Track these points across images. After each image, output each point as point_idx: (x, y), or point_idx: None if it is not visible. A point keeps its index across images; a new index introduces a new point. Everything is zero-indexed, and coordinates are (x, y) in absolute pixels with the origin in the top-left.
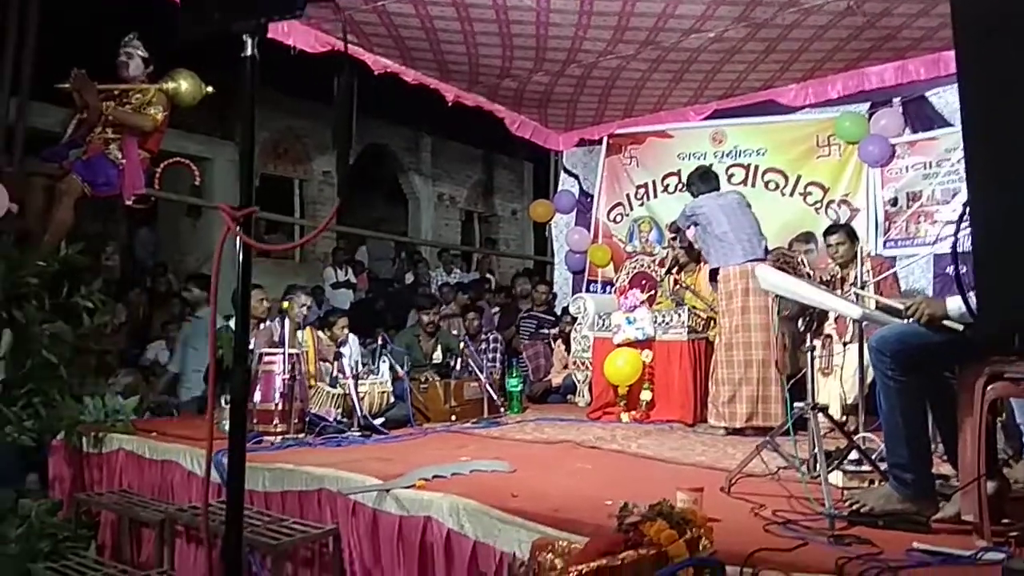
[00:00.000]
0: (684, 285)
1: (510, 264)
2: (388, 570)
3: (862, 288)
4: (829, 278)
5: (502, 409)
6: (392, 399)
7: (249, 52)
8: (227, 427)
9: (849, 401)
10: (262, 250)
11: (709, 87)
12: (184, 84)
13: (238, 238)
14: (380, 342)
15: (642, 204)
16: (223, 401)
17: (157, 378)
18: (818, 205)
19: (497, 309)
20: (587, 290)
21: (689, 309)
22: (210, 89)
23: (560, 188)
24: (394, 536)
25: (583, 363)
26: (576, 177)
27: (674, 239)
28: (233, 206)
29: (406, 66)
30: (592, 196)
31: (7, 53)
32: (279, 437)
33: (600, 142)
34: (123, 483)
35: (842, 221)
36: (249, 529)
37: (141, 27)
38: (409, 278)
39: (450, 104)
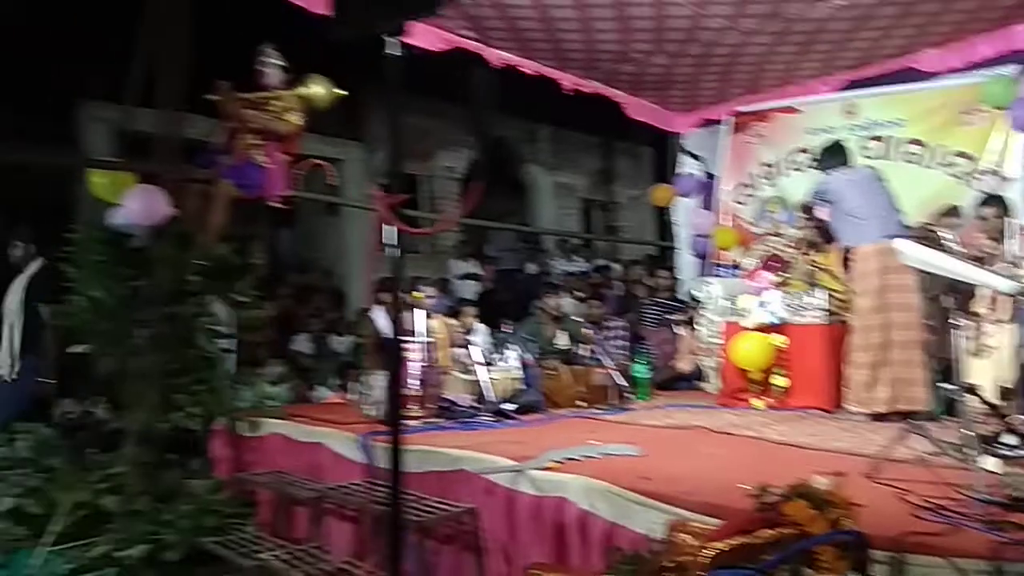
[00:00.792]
0: (818, 266)
1: (631, 251)
2: (524, 548)
3: (1016, 264)
4: (980, 254)
5: (629, 396)
6: (521, 386)
7: (392, 51)
8: (370, 412)
9: (1007, 384)
10: (415, 233)
11: (840, 57)
12: (318, 89)
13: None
14: (508, 330)
15: (770, 183)
16: (363, 388)
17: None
18: (963, 177)
19: (620, 296)
20: (713, 274)
21: (825, 291)
22: (342, 93)
23: (681, 171)
24: (529, 516)
25: (711, 349)
26: (698, 158)
27: (806, 219)
28: (387, 194)
29: (524, 57)
30: (716, 177)
31: (164, 71)
32: (416, 420)
33: (723, 121)
34: (277, 464)
35: (993, 193)
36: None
37: (276, 38)
38: (532, 268)
39: (568, 92)
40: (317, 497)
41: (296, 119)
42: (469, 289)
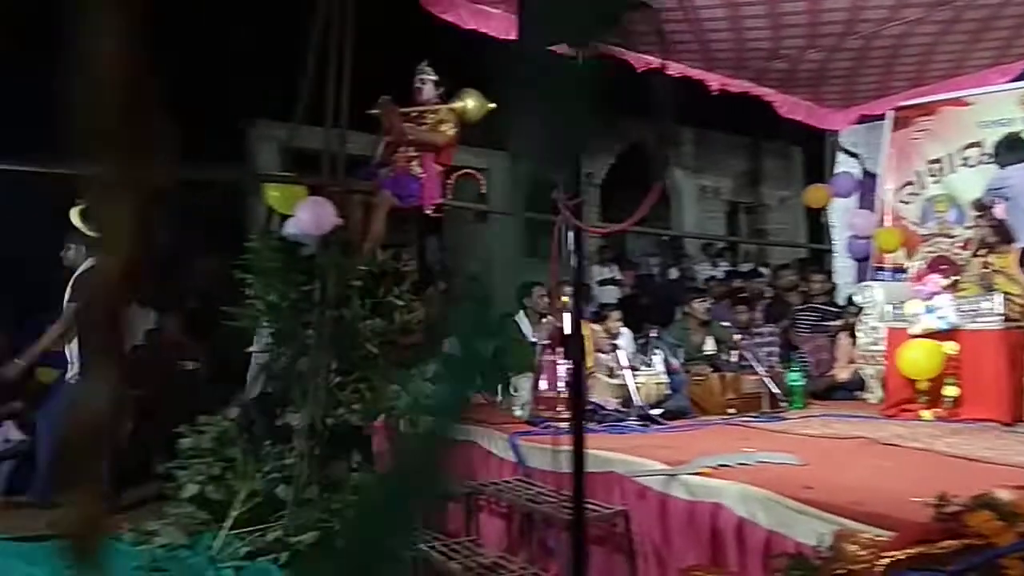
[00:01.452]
0: (994, 268)
1: (781, 255)
2: (678, 553)
3: None
4: None
5: (783, 404)
6: (668, 391)
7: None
8: (518, 412)
9: None
10: (595, 233)
11: (1017, 44)
12: (471, 102)
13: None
14: (653, 335)
15: (937, 181)
16: (511, 389)
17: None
18: None
19: (768, 301)
20: (874, 278)
21: (1001, 294)
22: (492, 105)
23: (838, 170)
24: (683, 520)
25: (873, 357)
26: (856, 157)
27: (980, 217)
28: (566, 195)
29: (669, 59)
30: (876, 176)
31: (329, 91)
32: (564, 423)
33: (884, 117)
34: None
35: None
36: (546, 505)
37: (431, 55)
38: (674, 273)
39: (715, 93)
40: (470, 493)
41: (450, 131)
42: (609, 294)
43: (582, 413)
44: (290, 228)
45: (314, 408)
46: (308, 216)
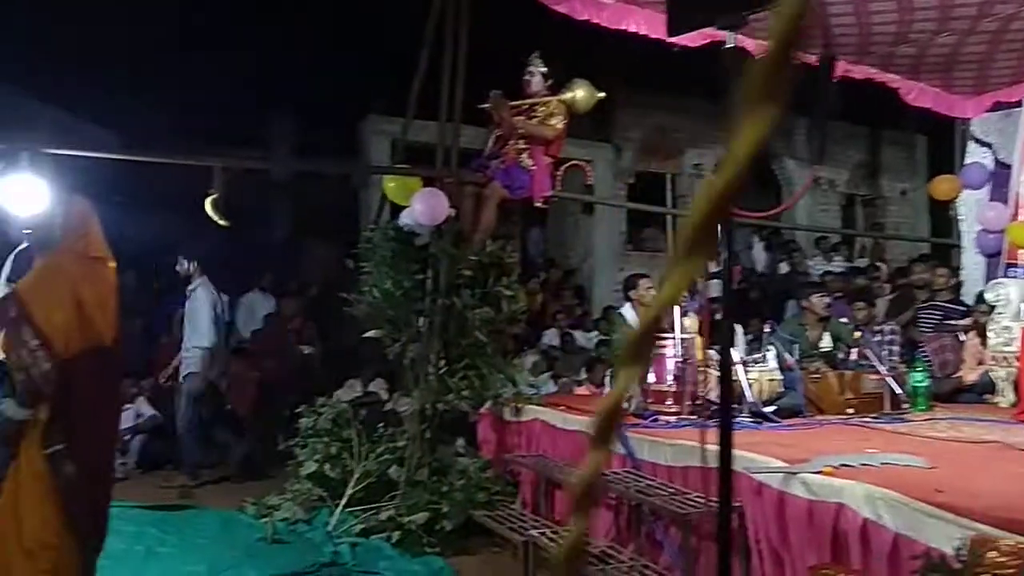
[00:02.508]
0: None
1: (901, 250)
2: (797, 552)
3: None
4: None
5: (905, 405)
6: (781, 388)
7: (730, 45)
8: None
9: None
10: (747, 218)
11: None
12: (580, 93)
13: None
14: (767, 330)
15: None
16: (608, 379)
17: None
18: None
19: (888, 298)
20: (1006, 275)
21: None
22: (601, 95)
23: (968, 160)
24: (803, 519)
25: (1004, 358)
26: (989, 146)
27: None
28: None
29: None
30: (1010, 167)
31: (443, 85)
32: (674, 416)
33: (1020, 104)
34: (539, 448)
35: None
36: (656, 498)
37: (540, 47)
38: (783, 268)
39: (835, 80)
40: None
41: (559, 124)
42: (716, 288)
43: (729, 409)
44: (405, 218)
45: (425, 393)
46: (423, 206)
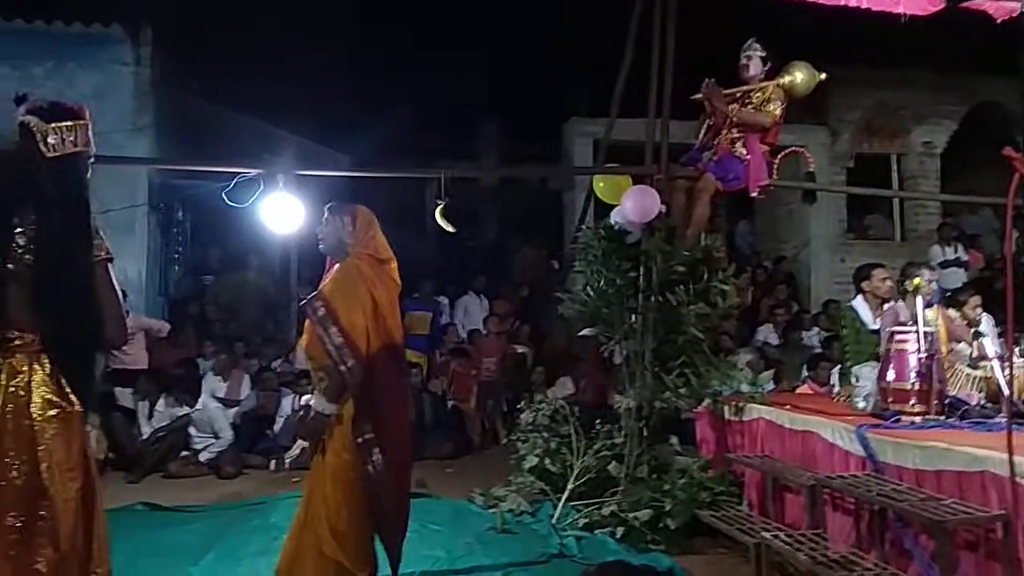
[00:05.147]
0: None
1: None
2: None
3: None
4: None
5: None
6: None
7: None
8: (859, 404)
9: None
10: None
11: None
12: (799, 76)
13: None
14: None
15: None
16: (852, 379)
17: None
18: None
19: None
20: None
21: None
22: (823, 76)
23: None
24: None
25: None
26: None
27: None
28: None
29: None
30: None
31: (652, 82)
32: (919, 417)
33: None
34: (764, 449)
35: None
36: (904, 503)
37: (758, 31)
38: None
39: None
40: (813, 484)
41: (777, 109)
42: (953, 277)
43: (1014, 409)
44: (615, 217)
45: (642, 391)
46: (633, 204)
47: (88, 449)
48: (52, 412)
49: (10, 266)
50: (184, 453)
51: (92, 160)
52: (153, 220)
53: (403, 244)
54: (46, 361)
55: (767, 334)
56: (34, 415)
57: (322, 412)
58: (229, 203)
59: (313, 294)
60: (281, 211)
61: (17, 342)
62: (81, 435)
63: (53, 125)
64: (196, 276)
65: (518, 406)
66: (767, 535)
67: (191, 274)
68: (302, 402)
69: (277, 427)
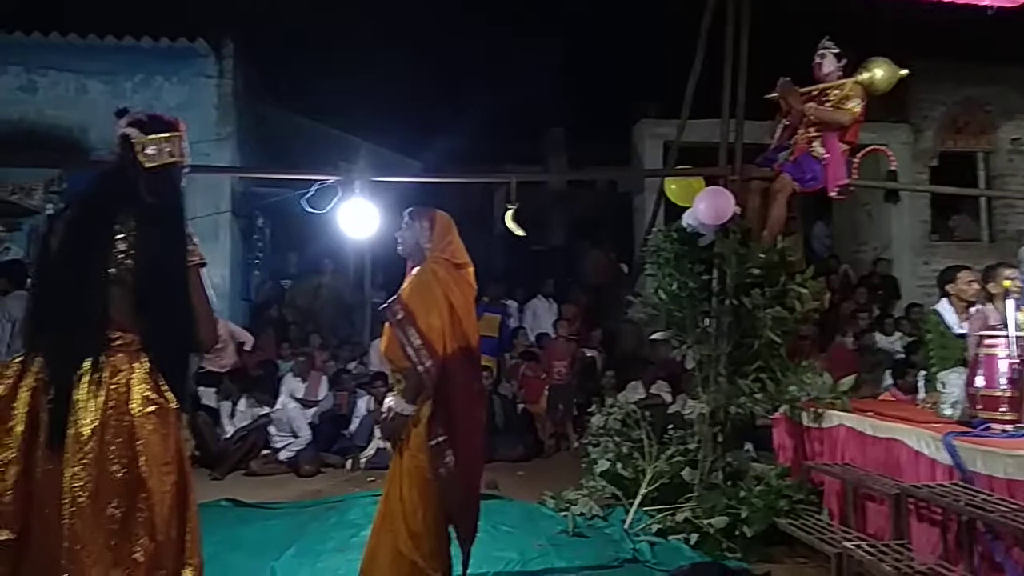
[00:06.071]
0: None
1: None
2: None
3: None
4: None
5: None
6: None
7: None
8: (946, 411)
9: None
10: None
11: None
12: (879, 72)
13: None
14: None
15: None
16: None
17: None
18: None
19: None
20: None
21: None
22: (904, 72)
23: None
24: None
25: None
26: None
27: None
28: None
29: None
30: None
31: (725, 82)
32: (1010, 425)
33: None
34: (844, 457)
35: None
36: (995, 514)
37: (835, 27)
38: None
39: None
40: (898, 494)
41: (856, 107)
42: None
43: None
44: (688, 219)
45: (716, 396)
46: (707, 206)
47: (182, 445)
48: (150, 409)
49: (112, 271)
50: (265, 452)
51: (187, 170)
52: (236, 227)
53: (471, 248)
54: (145, 360)
55: (847, 338)
56: (134, 411)
57: (400, 413)
58: (309, 209)
59: (392, 298)
60: (358, 217)
61: (119, 342)
62: (177, 431)
63: (151, 137)
64: (275, 281)
65: (588, 410)
66: (849, 544)
67: (271, 279)
68: (387, 403)
69: (353, 427)
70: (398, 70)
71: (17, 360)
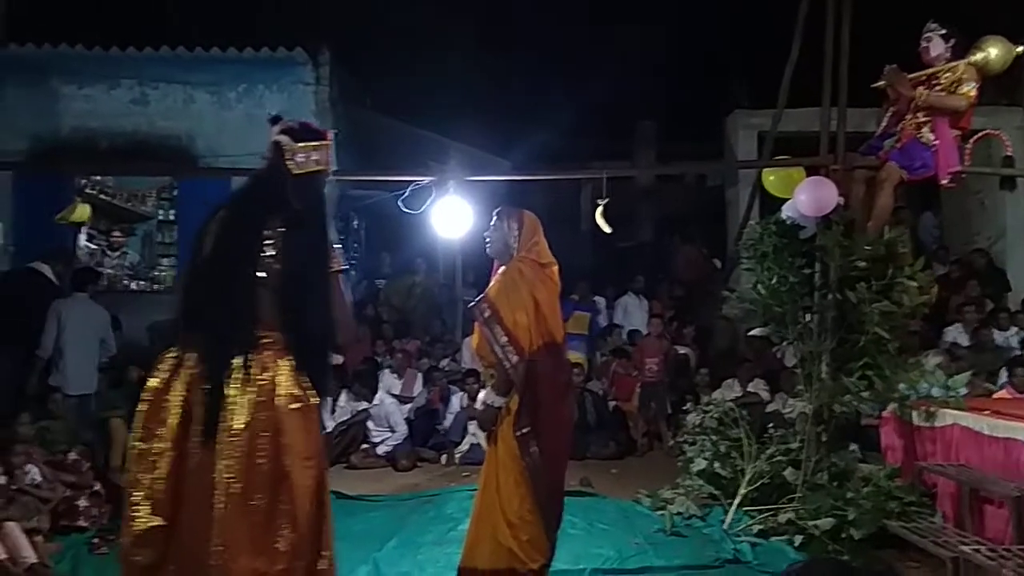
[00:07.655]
0: None
1: None
2: None
3: None
4: None
5: None
6: None
7: None
8: None
9: None
10: None
11: None
12: (993, 51)
13: None
14: None
15: None
16: None
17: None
18: None
19: None
20: None
21: None
22: (1021, 49)
23: None
24: None
25: None
26: None
27: None
28: None
29: None
30: None
31: (827, 72)
32: None
33: None
34: (959, 457)
35: None
36: None
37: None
38: None
39: None
40: (1019, 496)
41: (971, 90)
42: None
43: None
44: (787, 211)
45: (820, 394)
46: (808, 197)
47: (321, 441)
48: (295, 405)
49: (261, 273)
50: (364, 446)
51: (331, 178)
52: (335, 228)
53: (558, 245)
54: (289, 358)
55: (956, 334)
56: (279, 407)
57: (492, 404)
58: (405, 210)
59: (479, 297)
60: (451, 216)
61: (266, 340)
62: (317, 427)
63: (301, 145)
64: (370, 280)
65: (682, 408)
66: (967, 549)
67: (366, 279)
68: (480, 396)
69: (447, 423)
70: (488, 72)
71: (171, 355)
